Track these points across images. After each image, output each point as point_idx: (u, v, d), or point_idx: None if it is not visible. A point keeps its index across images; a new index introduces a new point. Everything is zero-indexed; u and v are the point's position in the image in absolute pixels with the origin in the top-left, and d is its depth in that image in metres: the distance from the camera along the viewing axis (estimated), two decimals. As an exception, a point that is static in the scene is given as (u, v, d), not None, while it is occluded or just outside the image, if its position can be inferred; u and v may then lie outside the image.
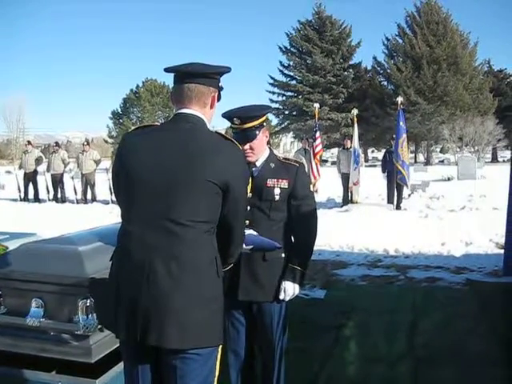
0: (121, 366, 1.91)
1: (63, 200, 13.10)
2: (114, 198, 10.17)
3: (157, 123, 1.83)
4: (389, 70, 39.07)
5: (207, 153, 1.63)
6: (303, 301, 4.30)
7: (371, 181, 12.96)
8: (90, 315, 2.23)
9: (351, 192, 11.07)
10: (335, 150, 38.21)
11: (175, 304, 1.58)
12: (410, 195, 11.97)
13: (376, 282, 5.15)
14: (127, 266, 1.63)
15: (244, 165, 1.76)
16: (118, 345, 1.87)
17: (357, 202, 10.91)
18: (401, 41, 39.57)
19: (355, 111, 11.56)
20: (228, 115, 2.24)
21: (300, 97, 40.68)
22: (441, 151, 53.55)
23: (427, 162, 38.17)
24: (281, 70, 42.41)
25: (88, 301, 2.23)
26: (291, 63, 41.85)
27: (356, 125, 11.42)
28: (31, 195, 13.32)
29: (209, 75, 1.74)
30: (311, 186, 2.51)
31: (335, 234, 7.12)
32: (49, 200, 13.19)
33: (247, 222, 2.12)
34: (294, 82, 41.99)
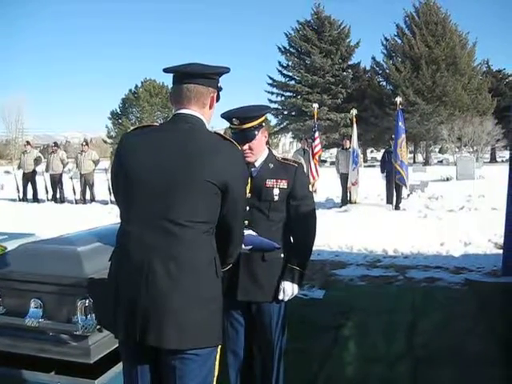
0: (120, 366, 1.91)
1: (62, 200, 13.09)
2: (112, 199, 10.18)
3: (156, 123, 1.84)
4: (388, 71, 39.11)
5: (206, 153, 1.63)
6: (302, 301, 4.30)
7: (370, 181, 12.97)
8: (89, 315, 2.23)
9: (350, 192, 11.09)
10: (334, 151, 38.31)
11: (174, 304, 1.58)
12: (408, 195, 11.98)
13: (375, 282, 5.16)
14: (126, 267, 1.63)
15: (243, 165, 1.76)
16: (116, 345, 1.87)
17: (356, 202, 10.92)
18: (399, 41, 39.61)
19: (354, 111, 11.58)
20: (227, 115, 2.24)
21: (299, 97, 40.71)
22: (440, 151, 53.63)
23: (426, 162, 38.21)
24: (280, 71, 42.47)
25: (87, 301, 2.22)
26: (290, 63, 41.88)
27: (355, 125, 11.43)
28: (30, 195, 13.32)
29: (208, 76, 1.74)
30: (310, 186, 2.51)
31: (334, 234, 7.12)
32: (47, 200, 13.18)
33: (246, 222, 2.12)
34: (292, 82, 42.00)
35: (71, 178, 13.94)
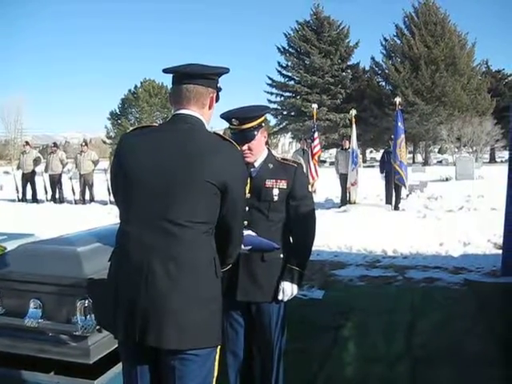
0: (119, 366, 1.91)
1: (61, 200, 13.08)
2: (112, 199, 10.17)
3: (155, 124, 1.84)
4: (387, 71, 39.10)
5: (206, 153, 1.63)
6: (302, 301, 4.30)
7: (369, 181, 12.97)
8: (89, 316, 2.23)
9: (349, 192, 11.09)
10: (333, 151, 38.35)
11: (173, 305, 1.58)
12: (408, 196, 11.98)
13: (374, 282, 5.16)
14: (126, 267, 1.63)
15: (242, 165, 1.76)
16: (116, 346, 1.87)
17: (355, 203, 10.92)
18: (399, 41, 39.59)
19: (353, 112, 11.57)
20: (226, 116, 2.24)
21: (298, 97, 40.70)
22: (439, 152, 53.61)
23: (425, 163, 38.21)
24: (279, 71, 42.45)
25: (86, 301, 2.23)
26: (289, 64, 41.87)
27: (354, 125, 11.43)
28: (29, 196, 13.30)
29: (207, 76, 1.74)
30: (309, 186, 2.51)
31: (333, 234, 7.12)
32: (47, 200, 13.16)
33: (246, 222, 2.12)
34: (292, 82, 42.00)
35: (70, 179, 13.95)
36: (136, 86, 48.67)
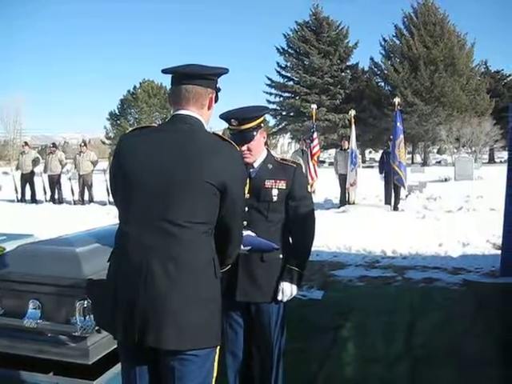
0: (118, 367, 1.91)
1: (60, 201, 13.07)
2: (111, 199, 10.15)
3: (154, 124, 1.84)
4: (386, 71, 39.09)
5: (205, 154, 1.63)
6: (301, 302, 4.30)
7: (368, 182, 12.97)
8: (88, 316, 2.23)
9: (348, 193, 11.10)
10: (333, 151, 38.29)
11: (173, 305, 1.58)
12: (407, 196, 11.98)
13: (373, 282, 5.16)
14: (125, 268, 1.63)
15: (242, 166, 1.77)
16: (115, 346, 1.87)
17: (354, 203, 10.93)
18: (398, 42, 39.60)
19: (352, 112, 11.57)
20: (226, 116, 2.24)
21: (297, 98, 40.67)
22: (438, 152, 53.59)
23: (424, 163, 38.22)
24: (278, 71, 42.42)
25: (85, 302, 2.22)
26: (288, 64, 41.86)
27: (353, 126, 11.43)
28: (28, 196, 13.30)
29: (206, 76, 1.74)
30: (309, 186, 2.51)
31: (333, 234, 7.13)
32: (46, 201, 13.16)
33: (245, 223, 2.12)
34: (291, 82, 41.97)
35: (69, 179, 13.94)
36: (135, 87, 48.66)
